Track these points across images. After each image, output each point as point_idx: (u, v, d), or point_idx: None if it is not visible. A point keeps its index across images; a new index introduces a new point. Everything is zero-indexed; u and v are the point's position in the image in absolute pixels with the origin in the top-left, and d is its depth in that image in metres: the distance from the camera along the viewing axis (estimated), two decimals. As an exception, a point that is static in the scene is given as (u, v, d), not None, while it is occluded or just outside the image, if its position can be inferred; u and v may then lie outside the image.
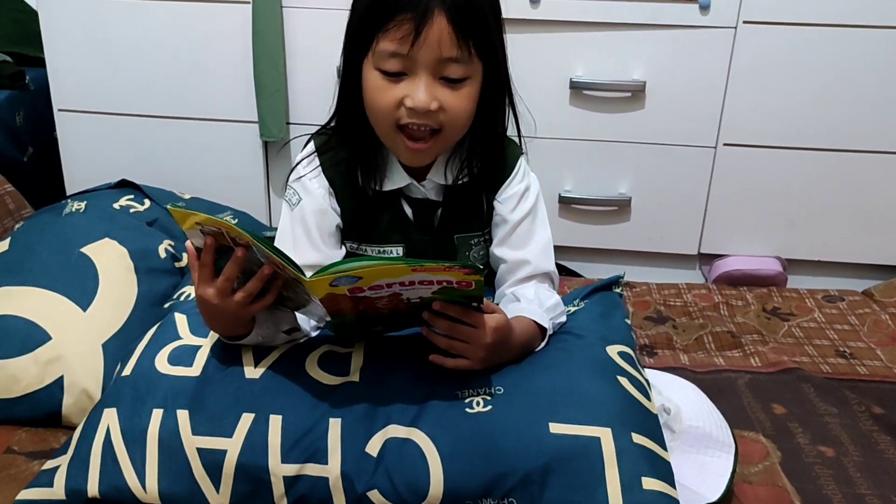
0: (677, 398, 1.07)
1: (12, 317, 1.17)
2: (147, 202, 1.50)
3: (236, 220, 1.48)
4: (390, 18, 0.91)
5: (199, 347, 0.98)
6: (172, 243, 1.37)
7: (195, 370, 0.95)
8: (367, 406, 0.90)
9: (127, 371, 0.98)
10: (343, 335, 0.98)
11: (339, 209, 1.07)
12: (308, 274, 0.83)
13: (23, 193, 1.68)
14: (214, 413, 0.91)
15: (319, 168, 1.06)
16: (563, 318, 1.06)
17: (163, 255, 1.34)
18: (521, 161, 1.10)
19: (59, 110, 1.75)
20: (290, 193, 1.07)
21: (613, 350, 0.98)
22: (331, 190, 1.06)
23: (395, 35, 0.91)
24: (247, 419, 0.90)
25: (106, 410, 0.94)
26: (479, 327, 0.90)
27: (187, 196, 1.61)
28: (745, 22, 1.56)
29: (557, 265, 1.75)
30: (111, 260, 1.28)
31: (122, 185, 1.54)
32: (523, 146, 1.12)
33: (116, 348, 1.16)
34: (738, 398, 1.26)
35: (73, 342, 1.16)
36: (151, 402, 0.93)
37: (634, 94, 1.62)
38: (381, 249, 1.10)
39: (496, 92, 1.01)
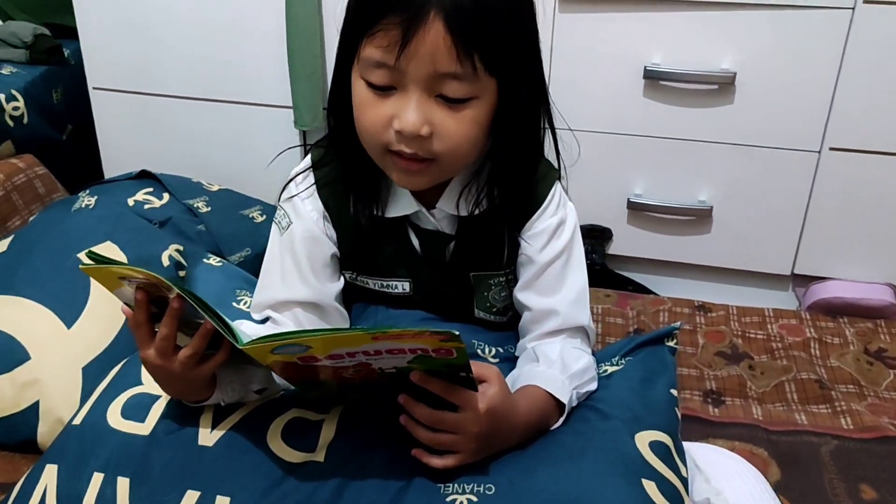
0: (730, 491, 0.86)
1: (-7, 332, 1.08)
2: (166, 196, 1.39)
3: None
4: (377, 21, 0.72)
5: (156, 399, 0.85)
6: (181, 248, 1.25)
7: (146, 428, 0.83)
8: (330, 493, 0.75)
9: (78, 419, 0.86)
10: (314, 399, 0.82)
11: (334, 236, 0.90)
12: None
13: (61, 172, 1.62)
14: (157, 486, 0.78)
15: (314, 187, 0.90)
16: (593, 386, 0.87)
17: (166, 262, 1.21)
18: (556, 189, 0.90)
19: (94, 88, 1.66)
20: (280, 215, 0.92)
21: (644, 439, 0.78)
22: (325, 213, 0.89)
23: (381, 41, 0.73)
24: (191, 498, 0.76)
25: (48, 467, 0.83)
26: (468, 410, 0.73)
27: (215, 188, 1.49)
28: (865, 1, 1.27)
29: (625, 279, 1.56)
30: (107, 268, 1.17)
31: (143, 176, 1.43)
32: (562, 171, 0.92)
33: (97, 373, 1.05)
34: (819, 473, 1.04)
35: (52, 364, 1.06)
36: (94, 462, 0.81)
37: (722, 86, 1.37)
38: (385, 283, 0.94)
39: (521, 111, 0.81)
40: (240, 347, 0.66)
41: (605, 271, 1.54)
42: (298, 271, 0.90)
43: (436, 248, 0.91)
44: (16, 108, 1.58)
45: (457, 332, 0.63)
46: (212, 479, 0.77)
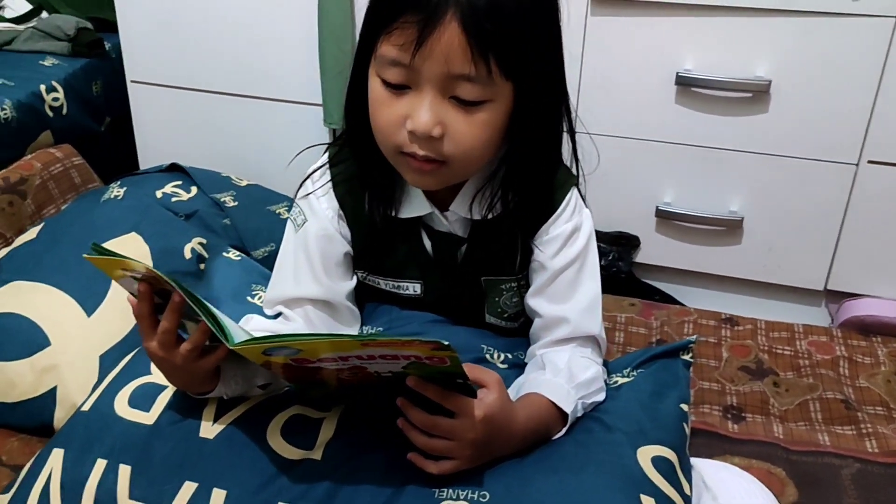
0: (739, 511, 0.83)
1: (17, 316, 1.10)
2: (194, 190, 1.40)
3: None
4: (395, 18, 0.72)
5: (163, 389, 0.86)
6: (204, 241, 1.26)
7: (150, 417, 0.83)
8: (325, 493, 0.75)
9: (87, 406, 0.88)
10: (316, 397, 0.82)
11: (348, 234, 0.90)
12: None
13: (100, 163, 1.65)
14: (157, 475, 0.79)
15: (330, 184, 0.90)
16: (600, 397, 0.86)
17: (188, 255, 1.23)
18: (572, 194, 0.88)
19: (132, 81, 1.69)
20: (296, 212, 0.92)
21: (647, 454, 0.77)
22: (340, 212, 0.89)
23: (397, 39, 0.72)
24: (188, 489, 0.77)
25: (55, 451, 0.84)
26: (465, 417, 0.72)
27: (244, 183, 1.50)
28: (910, 10, 1.23)
29: (652, 288, 1.53)
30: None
31: (173, 169, 1.46)
32: (580, 176, 0.90)
33: (114, 361, 1.06)
34: (838, 496, 1.00)
35: (71, 351, 1.08)
36: (99, 449, 0.82)
37: (756, 94, 1.34)
38: (396, 284, 0.94)
39: (538, 116, 0.80)
40: (230, 348, 0.66)
41: (631, 279, 1.52)
42: (311, 269, 0.90)
43: (448, 250, 0.90)
44: (55, 100, 1.62)
45: (446, 343, 0.62)
46: (210, 471, 0.77)
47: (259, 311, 0.96)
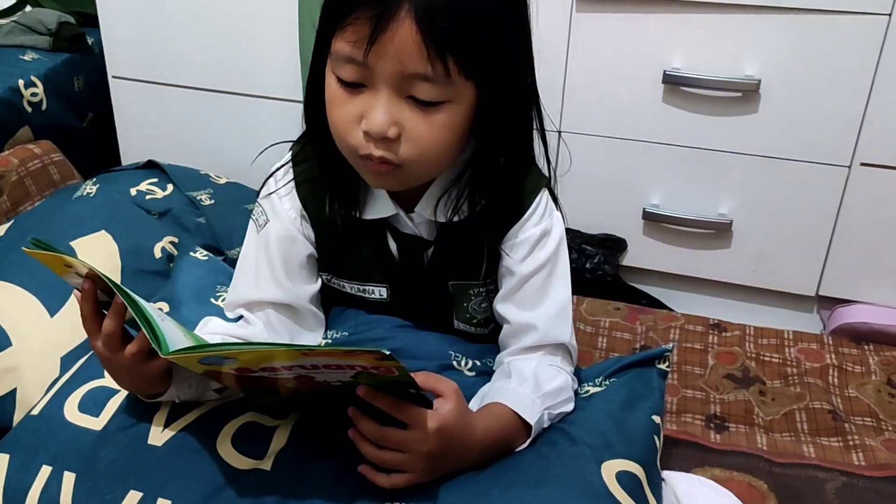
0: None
1: (-22, 315, 1.08)
2: (169, 188, 1.38)
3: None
4: (349, 13, 0.69)
5: (115, 393, 0.83)
6: (175, 240, 1.23)
7: (100, 423, 0.81)
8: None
9: (36, 410, 0.85)
10: (269, 405, 0.79)
11: (312, 235, 0.87)
12: None
13: (82, 159, 1.62)
14: (101, 483, 0.76)
15: (293, 183, 0.86)
16: (568, 408, 0.82)
17: (158, 254, 1.20)
18: (542, 197, 0.84)
19: (114, 77, 1.66)
20: (258, 212, 0.89)
21: (612, 468, 0.73)
22: (303, 212, 0.86)
23: (351, 36, 0.69)
24: (132, 499, 0.74)
25: (0, 456, 0.81)
26: (417, 429, 0.69)
27: (223, 181, 1.47)
28: (904, 7, 1.19)
29: (639, 292, 1.49)
30: (97, 258, 1.15)
31: (150, 167, 1.43)
32: (552, 178, 0.87)
33: (75, 363, 1.03)
34: (821, 512, 0.97)
35: (32, 352, 1.05)
36: (44, 455, 0.79)
37: (746, 94, 1.30)
38: (362, 288, 0.90)
39: (504, 117, 0.76)
40: (163, 357, 0.63)
41: (617, 283, 1.48)
42: (272, 272, 0.87)
43: (414, 253, 0.87)
44: (34, 95, 1.59)
45: (388, 352, 0.59)
46: (156, 480, 0.74)
47: (222, 312, 0.93)
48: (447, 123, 0.72)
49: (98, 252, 1.17)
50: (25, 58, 1.64)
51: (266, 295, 0.87)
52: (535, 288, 0.84)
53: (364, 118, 0.71)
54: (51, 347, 1.06)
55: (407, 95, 0.70)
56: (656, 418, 0.84)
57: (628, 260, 1.48)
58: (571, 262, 1.44)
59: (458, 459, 0.72)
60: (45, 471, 0.78)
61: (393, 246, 0.87)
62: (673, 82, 1.32)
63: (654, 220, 1.43)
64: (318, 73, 0.77)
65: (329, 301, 0.94)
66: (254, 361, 0.63)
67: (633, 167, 1.40)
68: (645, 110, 1.36)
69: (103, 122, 1.76)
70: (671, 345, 0.93)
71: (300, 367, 0.64)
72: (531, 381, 0.80)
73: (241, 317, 0.89)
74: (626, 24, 1.31)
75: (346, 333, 0.91)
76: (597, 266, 1.47)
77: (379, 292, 0.90)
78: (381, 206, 0.84)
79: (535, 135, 0.83)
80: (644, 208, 1.42)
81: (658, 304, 1.48)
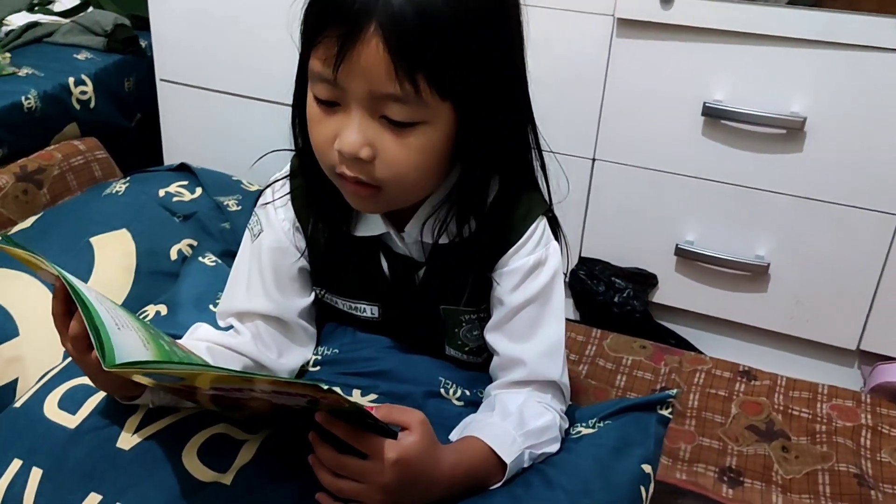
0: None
1: (-8, 303, 1.10)
2: (198, 191, 1.38)
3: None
4: (321, 31, 0.67)
5: (94, 392, 0.82)
6: (194, 243, 1.24)
7: (74, 421, 0.80)
8: (228, 521, 0.69)
9: (19, 402, 0.85)
10: (238, 420, 0.77)
11: (305, 248, 0.85)
12: None
13: (127, 158, 1.66)
14: (65, 482, 0.75)
15: (290, 196, 0.85)
16: (552, 448, 0.78)
17: (174, 256, 1.21)
18: (539, 225, 0.80)
19: (161, 80, 1.69)
20: (254, 221, 0.88)
21: (585, 520, 0.68)
22: (297, 224, 0.85)
23: (322, 53, 0.68)
24: (91, 502, 0.72)
25: (-23, 446, 0.81)
26: (375, 459, 0.66)
27: (254, 188, 1.47)
28: (967, 49, 1.11)
29: (668, 330, 1.43)
30: (114, 256, 1.17)
31: (182, 169, 1.44)
32: (549, 205, 0.83)
33: (77, 358, 1.04)
34: (832, 585, 0.89)
35: (37, 343, 1.06)
36: (18, 448, 0.79)
37: (790, 131, 1.23)
38: (353, 305, 0.88)
39: (487, 139, 0.73)
40: (105, 368, 0.61)
41: (646, 319, 1.42)
42: (262, 282, 0.85)
43: (405, 274, 0.84)
44: (83, 93, 1.63)
45: (325, 387, 0.56)
46: (117, 484, 0.73)
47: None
48: (422, 145, 0.69)
49: (116, 250, 1.18)
50: (79, 57, 1.69)
51: (256, 306, 0.85)
52: (526, 321, 0.80)
53: (338, 138, 0.69)
54: (56, 341, 1.05)
55: (380, 115, 0.68)
56: (647, 467, 0.78)
57: (658, 296, 1.42)
58: (599, 294, 1.42)
59: (421, 493, 0.68)
60: (16, 464, 0.77)
61: (385, 265, 0.84)
62: (713, 115, 1.26)
63: (687, 258, 1.37)
64: (301, 91, 0.76)
65: (323, 317, 0.92)
66: (200, 381, 0.61)
67: (667, 201, 1.35)
68: (683, 142, 1.30)
69: (150, 123, 1.80)
70: (675, 391, 0.87)
71: (249, 390, 0.62)
72: (515, 417, 0.76)
73: (231, 327, 0.88)
74: (668, 52, 1.26)
75: (337, 351, 0.89)
76: (625, 301, 1.41)
77: (371, 311, 0.88)
78: (372, 224, 0.82)
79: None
80: (677, 244, 1.36)
81: (687, 346, 1.41)
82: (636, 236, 1.39)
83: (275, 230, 0.85)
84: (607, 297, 1.42)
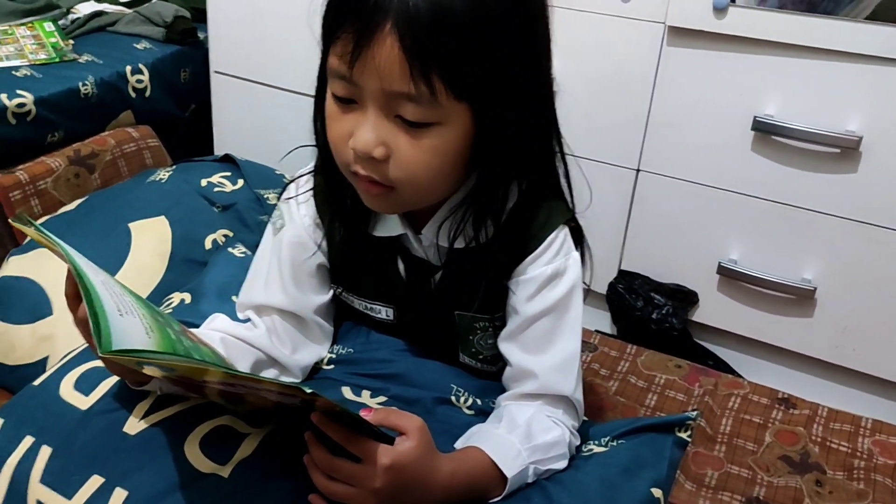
0: None
1: (31, 281, 1.14)
2: (240, 182, 1.40)
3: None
4: (338, 27, 0.67)
5: (109, 375, 0.83)
6: (229, 234, 1.25)
7: (87, 403, 0.81)
8: (223, 513, 0.69)
9: (38, 381, 0.87)
10: (240, 414, 0.77)
11: (325, 246, 0.85)
12: None
13: (179, 147, 1.69)
14: (71, 463, 0.76)
15: (312, 192, 0.85)
16: (559, 465, 0.76)
17: (208, 245, 1.23)
18: (559, 234, 0.78)
19: (215, 72, 1.72)
20: (276, 215, 0.88)
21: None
22: (318, 220, 0.84)
23: (339, 50, 0.67)
24: (93, 483, 0.73)
25: (-5, 420, 0.83)
26: (368, 463, 0.65)
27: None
28: None
29: (706, 351, 1.39)
30: (150, 241, 1.19)
31: (227, 160, 1.46)
32: (571, 213, 0.81)
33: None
34: None
35: (69, 323, 1.06)
36: (31, 426, 0.80)
37: (845, 151, 1.18)
38: (369, 305, 0.88)
39: (505, 143, 0.71)
40: (100, 354, 0.61)
41: (684, 338, 1.38)
42: (280, 277, 0.85)
43: (421, 277, 0.83)
44: (139, 81, 1.67)
45: (309, 390, 0.55)
46: (119, 468, 0.74)
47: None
48: (436, 147, 0.67)
49: (152, 235, 1.21)
50: (138, 46, 1.73)
51: (272, 300, 0.85)
52: (541, 333, 0.78)
53: (353, 136, 0.68)
54: (86, 322, 1.09)
55: (395, 115, 0.67)
56: (657, 492, 0.75)
57: (698, 315, 1.38)
58: (637, 309, 1.39)
59: (415, 501, 0.67)
60: (28, 441, 0.79)
61: (401, 267, 0.83)
62: (764, 130, 1.21)
63: (730, 277, 1.32)
64: (322, 87, 0.76)
65: (341, 316, 0.92)
66: (190, 373, 0.61)
67: (712, 217, 1.30)
68: (731, 157, 1.26)
69: (204, 114, 1.83)
70: (695, 413, 0.84)
71: (242, 385, 0.61)
72: (522, 430, 0.74)
73: (249, 319, 0.88)
74: (719, 63, 1.22)
75: (351, 350, 0.89)
76: (664, 317, 1.37)
77: (386, 312, 0.87)
78: (390, 225, 0.81)
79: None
80: (720, 262, 1.31)
81: (725, 368, 1.36)
82: (678, 252, 1.35)
83: (296, 225, 0.85)
84: (645, 313, 1.38)
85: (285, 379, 0.86)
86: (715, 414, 1.20)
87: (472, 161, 0.72)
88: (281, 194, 0.89)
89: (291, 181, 0.88)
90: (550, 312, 0.77)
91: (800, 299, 1.28)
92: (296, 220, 0.85)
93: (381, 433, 0.65)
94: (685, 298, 1.37)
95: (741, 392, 1.26)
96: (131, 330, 0.65)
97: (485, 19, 0.64)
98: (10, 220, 0.73)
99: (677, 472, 0.89)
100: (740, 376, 1.33)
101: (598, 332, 1.35)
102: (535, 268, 0.77)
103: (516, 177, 0.74)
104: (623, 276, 1.41)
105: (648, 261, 1.36)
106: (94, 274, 0.65)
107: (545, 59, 0.71)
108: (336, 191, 0.80)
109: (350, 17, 0.64)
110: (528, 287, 0.77)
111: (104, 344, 0.60)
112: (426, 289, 0.83)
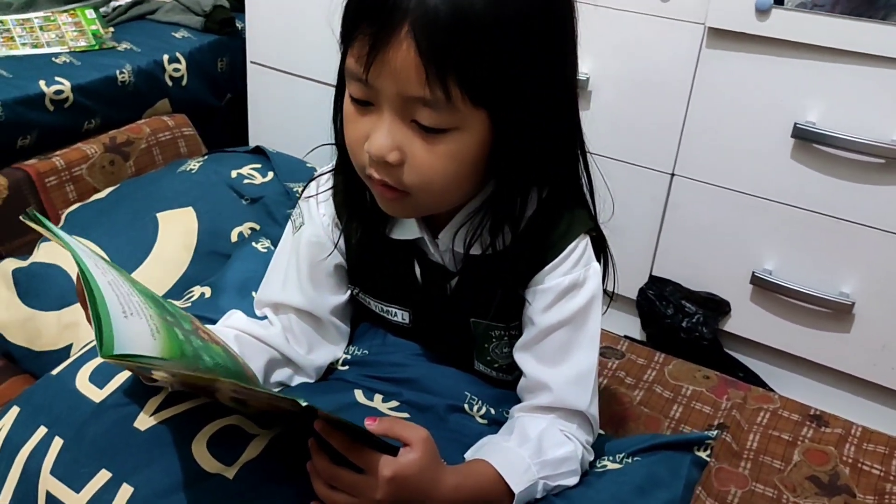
0: None
1: (59, 268, 1.15)
2: (270, 175, 1.40)
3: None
4: (356, 27, 0.65)
5: (124, 368, 0.84)
6: (256, 227, 1.25)
7: (100, 395, 0.81)
8: (226, 515, 0.69)
9: (56, 371, 0.87)
10: (250, 416, 0.77)
11: (343, 246, 0.84)
12: None
13: (214, 136, 1.70)
14: (82, 456, 0.76)
15: (332, 191, 0.84)
16: (570, 481, 0.74)
17: (234, 238, 1.22)
18: (580, 244, 0.76)
19: (252, 62, 1.72)
20: (297, 213, 0.88)
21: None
22: (337, 220, 0.83)
23: (355, 52, 0.66)
24: (101, 478, 0.74)
25: (13, 408, 0.84)
26: (370, 474, 0.64)
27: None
28: None
29: (737, 362, 1.35)
30: (177, 232, 1.19)
31: (258, 152, 1.46)
32: (593, 224, 0.78)
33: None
34: None
35: (93, 312, 1.09)
36: (46, 416, 0.81)
37: (889, 161, 1.13)
38: (385, 308, 0.87)
39: (523, 150, 0.69)
40: (101, 358, 0.61)
41: (714, 348, 1.34)
42: (298, 276, 0.85)
43: (437, 282, 0.81)
44: (176, 70, 1.68)
45: (304, 403, 0.54)
46: (127, 464, 0.74)
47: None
48: (453, 153, 0.66)
49: (178, 226, 1.21)
50: (177, 35, 1.74)
51: (289, 299, 0.85)
52: (557, 344, 0.76)
53: (368, 139, 0.67)
54: (110, 311, 1.10)
55: (411, 119, 0.65)
56: (672, 514, 0.73)
57: (730, 325, 1.34)
58: (667, 317, 1.35)
59: (417, 511, 0.66)
60: (41, 432, 0.79)
61: (418, 271, 0.82)
62: (804, 137, 1.17)
63: (764, 287, 1.28)
64: (342, 87, 0.74)
65: (359, 317, 0.91)
66: (192, 377, 0.60)
67: (748, 225, 1.26)
68: (769, 164, 1.22)
69: (240, 104, 1.83)
70: (714, 432, 0.81)
71: (243, 392, 0.61)
72: (533, 444, 0.73)
73: (266, 317, 0.88)
74: (759, 66, 1.18)
75: (366, 352, 0.88)
76: (693, 326, 1.34)
77: (402, 316, 0.86)
78: (408, 228, 0.80)
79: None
80: (754, 272, 1.28)
81: (756, 381, 1.32)
82: (711, 259, 1.31)
83: (315, 224, 0.84)
84: (675, 321, 1.35)
85: (298, 379, 0.86)
86: (742, 429, 1.17)
87: (489, 167, 0.70)
88: (302, 192, 0.88)
89: (312, 179, 0.87)
90: (567, 324, 0.75)
91: (837, 314, 1.24)
92: (315, 219, 0.84)
93: (384, 443, 0.64)
94: (717, 308, 1.33)
95: (771, 407, 1.22)
96: (135, 333, 0.64)
97: (506, 24, 0.62)
98: (20, 218, 0.72)
99: (698, 490, 0.87)
100: (771, 390, 1.29)
101: (626, 337, 1.32)
102: (553, 277, 0.75)
103: (536, 184, 0.72)
104: (654, 282, 1.38)
105: (680, 267, 1.33)
106: (100, 274, 0.65)
107: (570, 64, 0.69)
108: (354, 191, 0.79)
109: (367, 17, 0.63)
110: (545, 297, 0.75)
111: (105, 348, 0.60)
112: (442, 294, 0.81)
